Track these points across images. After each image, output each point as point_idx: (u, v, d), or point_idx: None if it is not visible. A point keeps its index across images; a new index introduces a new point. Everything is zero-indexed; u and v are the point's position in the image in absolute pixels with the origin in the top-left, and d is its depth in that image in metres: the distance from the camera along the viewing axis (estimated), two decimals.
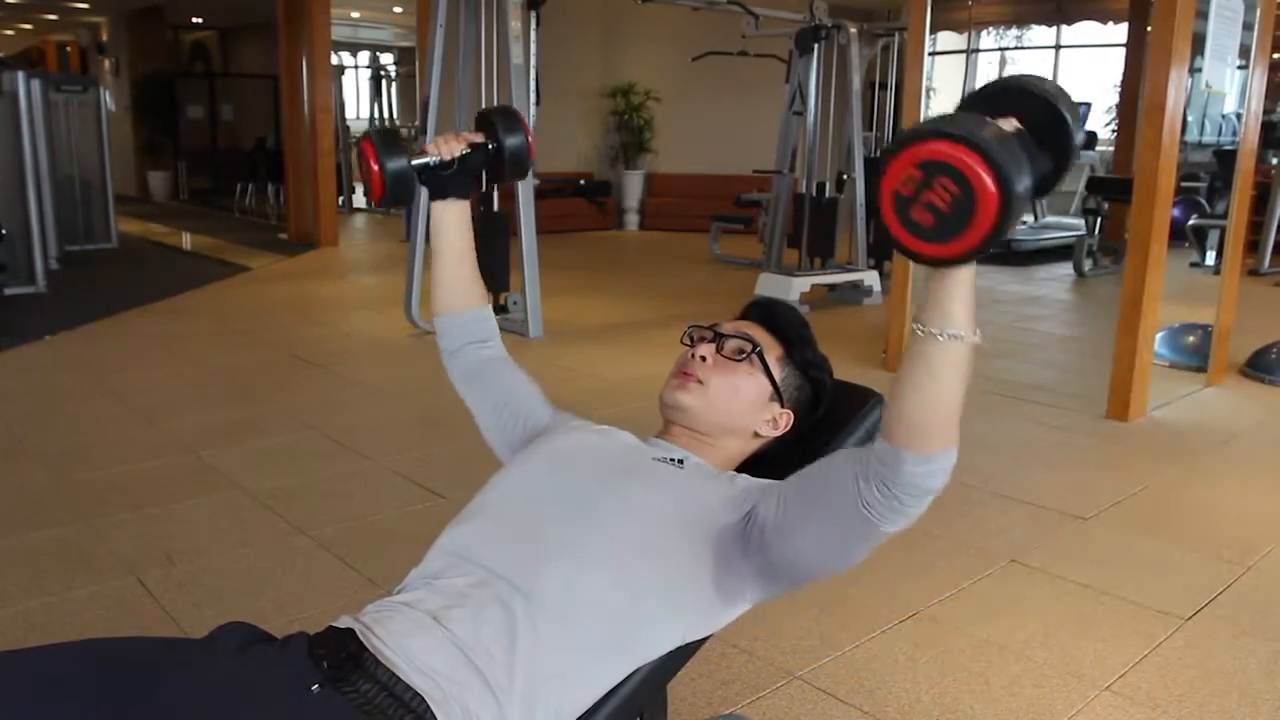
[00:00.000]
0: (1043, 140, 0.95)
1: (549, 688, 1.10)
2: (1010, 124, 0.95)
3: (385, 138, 1.40)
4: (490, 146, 1.46)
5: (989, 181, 0.87)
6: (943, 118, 0.92)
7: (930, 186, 0.90)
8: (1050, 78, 1.07)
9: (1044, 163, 0.95)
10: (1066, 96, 0.98)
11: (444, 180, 1.46)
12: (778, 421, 1.38)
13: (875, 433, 1.44)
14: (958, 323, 0.98)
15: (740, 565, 1.21)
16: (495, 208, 5.57)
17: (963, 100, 1.01)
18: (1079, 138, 0.97)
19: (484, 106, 1.46)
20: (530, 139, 1.47)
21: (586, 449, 1.34)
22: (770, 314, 1.44)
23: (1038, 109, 0.97)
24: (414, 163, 1.41)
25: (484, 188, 1.53)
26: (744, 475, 1.31)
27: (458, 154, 1.44)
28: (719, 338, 1.38)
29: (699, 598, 1.21)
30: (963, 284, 0.98)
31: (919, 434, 1.02)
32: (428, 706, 1.04)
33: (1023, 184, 0.88)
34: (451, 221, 1.49)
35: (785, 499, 1.19)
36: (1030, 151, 0.91)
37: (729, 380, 1.35)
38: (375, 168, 1.37)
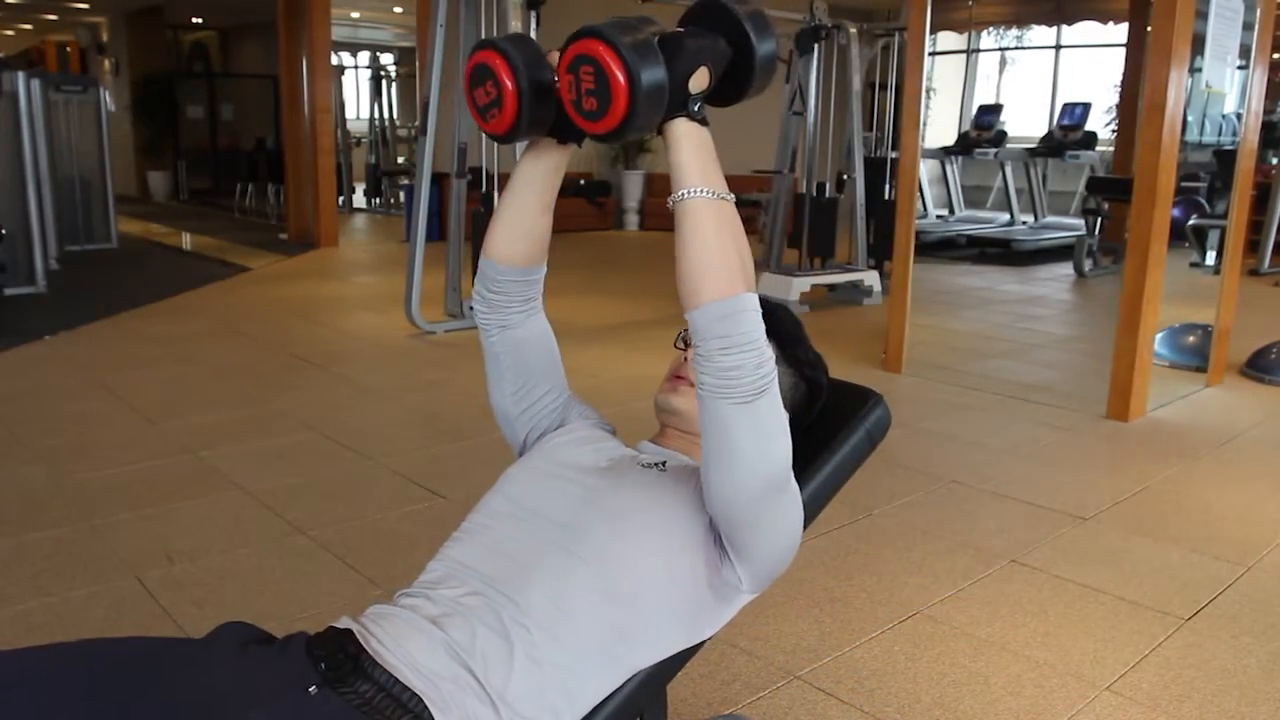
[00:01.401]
0: (720, 31, 1.12)
1: (545, 695, 1.10)
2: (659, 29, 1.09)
3: (523, 46, 1.13)
4: None
5: (601, 47, 1.03)
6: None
7: (580, 78, 1.06)
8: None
9: (718, 44, 1.11)
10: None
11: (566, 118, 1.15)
12: None
13: (875, 433, 1.45)
14: (690, 181, 1.11)
15: (724, 561, 1.21)
16: (494, 206, 5.54)
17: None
18: (751, 23, 1.12)
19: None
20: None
21: (576, 462, 1.33)
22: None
23: (711, 12, 1.13)
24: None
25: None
26: None
27: None
28: None
29: (695, 602, 1.21)
30: (684, 147, 1.11)
31: (691, 291, 1.11)
32: (425, 708, 1.04)
33: (639, 48, 1.03)
34: (553, 168, 1.30)
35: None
36: (684, 39, 1.08)
37: None
38: (510, 85, 1.12)
